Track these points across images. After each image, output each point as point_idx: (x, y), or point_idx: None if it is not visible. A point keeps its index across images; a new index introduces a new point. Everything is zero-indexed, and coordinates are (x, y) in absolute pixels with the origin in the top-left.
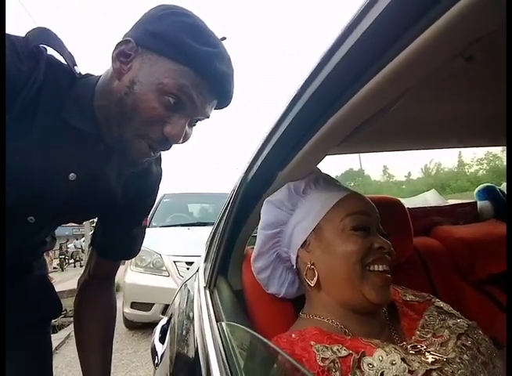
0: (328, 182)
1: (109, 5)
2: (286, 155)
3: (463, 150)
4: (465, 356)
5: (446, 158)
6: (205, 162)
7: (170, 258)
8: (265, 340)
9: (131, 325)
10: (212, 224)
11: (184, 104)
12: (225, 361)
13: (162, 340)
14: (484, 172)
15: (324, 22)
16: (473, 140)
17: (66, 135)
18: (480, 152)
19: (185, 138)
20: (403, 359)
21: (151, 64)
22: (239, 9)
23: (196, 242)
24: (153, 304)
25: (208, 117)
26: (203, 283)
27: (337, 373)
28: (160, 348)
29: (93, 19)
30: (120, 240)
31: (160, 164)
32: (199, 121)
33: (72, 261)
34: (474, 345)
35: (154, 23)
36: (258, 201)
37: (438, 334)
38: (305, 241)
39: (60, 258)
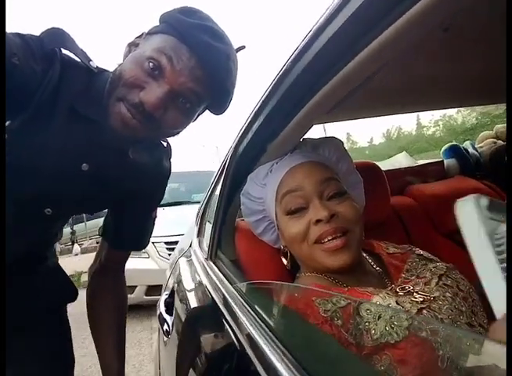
0: (283, 160)
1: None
2: (275, 128)
3: (421, 113)
4: (447, 293)
5: (406, 122)
6: (169, 140)
7: None
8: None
9: None
10: (187, 203)
11: (163, 69)
12: (252, 312)
13: (168, 312)
14: (441, 134)
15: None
16: (450, 102)
17: (78, 127)
18: (436, 114)
19: (173, 121)
20: (397, 302)
21: (146, 42)
22: None
23: (172, 222)
24: (136, 286)
25: (197, 94)
26: (203, 256)
27: (339, 321)
28: (168, 318)
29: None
30: (130, 230)
31: (170, 159)
32: (189, 104)
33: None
34: (453, 283)
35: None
36: (247, 175)
37: (421, 276)
38: (277, 226)
39: None
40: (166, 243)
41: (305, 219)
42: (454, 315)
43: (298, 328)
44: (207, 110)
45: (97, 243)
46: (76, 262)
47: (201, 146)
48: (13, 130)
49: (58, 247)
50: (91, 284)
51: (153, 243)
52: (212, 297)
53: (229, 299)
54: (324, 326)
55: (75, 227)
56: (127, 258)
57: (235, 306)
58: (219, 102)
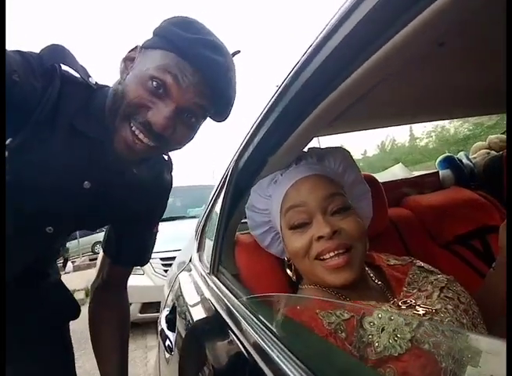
0: (289, 171)
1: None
2: (276, 141)
3: (414, 124)
4: (449, 305)
5: (399, 134)
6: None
7: None
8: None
9: None
10: (182, 218)
11: (169, 87)
12: (260, 325)
13: (170, 328)
14: (434, 145)
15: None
16: (445, 113)
17: (79, 145)
18: (429, 125)
19: (181, 137)
20: (399, 315)
21: (144, 57)
22: None
23: (168, 238)
24: (131, 304)
25: (203, 108)
26: (205, 270)
27: (343, 333)
28: (171, 335)
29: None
30: (132, 246)
31: (171, 172)
32: (194, 119)
33: None
34: (454, 295)
35: (158, 26)
36: (249, 189)
37: (422, 289)
38: (282, 238)
39: None
40: (161, 259)
41: (308, 235)
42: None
43: (306, 337)
44: (205, 133)
45: (90, 260)
46: (68, 280)
47: (197, 161)
48: (14, 148)
49: None
50: (93, 300)
51: None
52: (217, 311)
53: (235, 312)
54: (329, 338)
55: (68, 244)
56: (129, 274)
57: (241, 319)
58: (222, 110)
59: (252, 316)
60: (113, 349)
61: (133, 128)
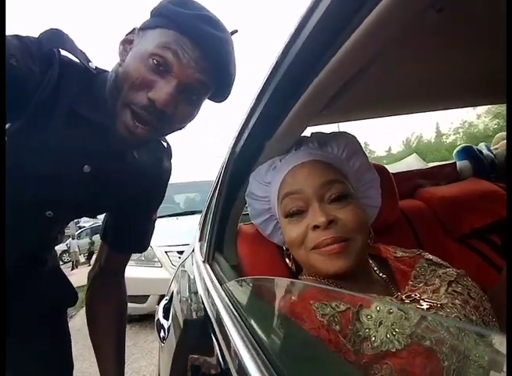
0: (287, 157)
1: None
2: (272, 124)
3: (440, 121)
4: (457, 300)
5: (425, 130)
6: (186, 150)
7: (161, 248)
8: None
9: (128, 318)
10: (200, 212)
11: (170, 64)
12: (236, 316)
13: (166, 317)
14: (462, 141)
15: None
16: (452, 101)
17: (79, 129)
18: (456, 121)
19: (183, 115)
20: (399, 308)
21: (143, 38)
22: None
23: (185, 231)
24: (149, 295)
25: (205, 84)
26: (201, 259)
27: (337, 326)
28: (165, 324)
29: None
30: (131, 233)
31: (170, 160)
32: (196, 96)
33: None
34: (464, 290)
35: (155, 6)
36: (248, 175)
37: (429, 283)
38: (280, 227)
39: None
40: (179, 252)
41: (303, 224)
42: None
43: (293, 340)
44: (224, 127)
45: None
46: None
47: (217, 156)
48: (13, 132)
49: (80, 257)
50: (90, 288)
51: (166, 252)
52: (203, 300)
53: (219, 303)
54: (321, 331)
55: (94, 238)
56: (127, 262)
57: (225, 316)
58: (223, 87)
59: (235, 311)
60: (109, 336)
61: (135, 112)
